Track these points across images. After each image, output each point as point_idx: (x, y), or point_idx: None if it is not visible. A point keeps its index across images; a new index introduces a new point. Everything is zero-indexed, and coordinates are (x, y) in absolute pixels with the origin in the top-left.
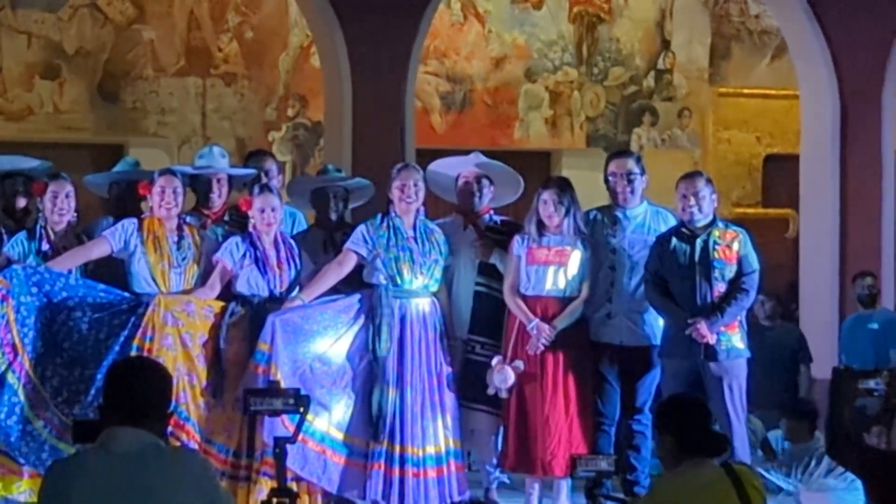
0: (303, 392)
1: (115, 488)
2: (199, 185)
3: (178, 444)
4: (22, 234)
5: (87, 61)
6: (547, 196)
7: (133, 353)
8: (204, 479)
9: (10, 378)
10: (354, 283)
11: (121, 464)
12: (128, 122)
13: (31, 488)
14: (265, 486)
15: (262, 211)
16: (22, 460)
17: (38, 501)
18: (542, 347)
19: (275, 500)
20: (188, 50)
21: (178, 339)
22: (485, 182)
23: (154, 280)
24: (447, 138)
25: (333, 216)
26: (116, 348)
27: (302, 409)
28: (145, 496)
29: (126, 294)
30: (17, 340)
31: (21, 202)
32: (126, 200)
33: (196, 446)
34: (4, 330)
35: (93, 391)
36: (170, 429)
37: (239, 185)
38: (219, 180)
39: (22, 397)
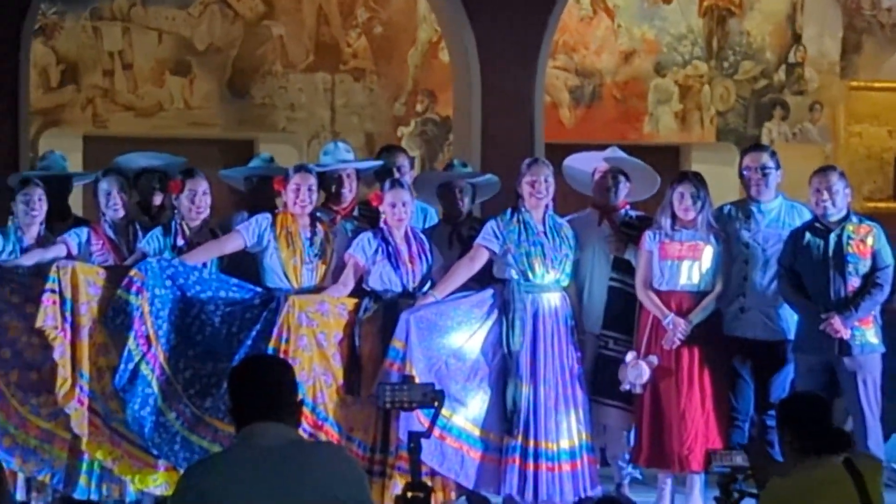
0: (437, 387)
1: (263, 482)
2: (326, 181)
3: None
4: (157, 230)
5: (217, 57)
6: (683, 189)
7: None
8: (352, 475)
9: (144, 369)
10: (481, 278)
11: (267, 457)
12: (257, 118)
13: (166, 481)
14: (400, 480)
15: (394, 206)
16: (155, 451)
17: (176, 498)
18: (678, 342)
19: (409, 494)
20: (317, 45)
21: (314, 339)
22: (620, 177)
23: (286, 275)
24: (576, 133)
25: (459, 211)
26: (248, 342)
27: (437, 404)
28: (294, 489)
29: (258, 289)
30: (151, 332)
31: (158, 199)
32: (260, 195)
33: None
34: (139, 322)
35: (225, 384)
36: (309, 429)
37: (368, 180)
38: (348, 175)
39: (155, 389)
